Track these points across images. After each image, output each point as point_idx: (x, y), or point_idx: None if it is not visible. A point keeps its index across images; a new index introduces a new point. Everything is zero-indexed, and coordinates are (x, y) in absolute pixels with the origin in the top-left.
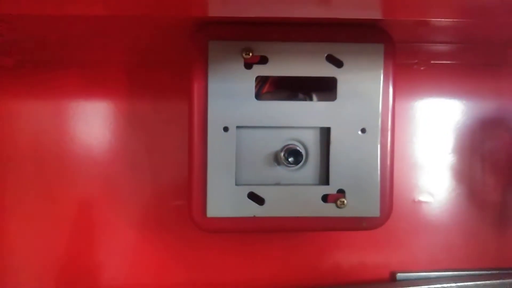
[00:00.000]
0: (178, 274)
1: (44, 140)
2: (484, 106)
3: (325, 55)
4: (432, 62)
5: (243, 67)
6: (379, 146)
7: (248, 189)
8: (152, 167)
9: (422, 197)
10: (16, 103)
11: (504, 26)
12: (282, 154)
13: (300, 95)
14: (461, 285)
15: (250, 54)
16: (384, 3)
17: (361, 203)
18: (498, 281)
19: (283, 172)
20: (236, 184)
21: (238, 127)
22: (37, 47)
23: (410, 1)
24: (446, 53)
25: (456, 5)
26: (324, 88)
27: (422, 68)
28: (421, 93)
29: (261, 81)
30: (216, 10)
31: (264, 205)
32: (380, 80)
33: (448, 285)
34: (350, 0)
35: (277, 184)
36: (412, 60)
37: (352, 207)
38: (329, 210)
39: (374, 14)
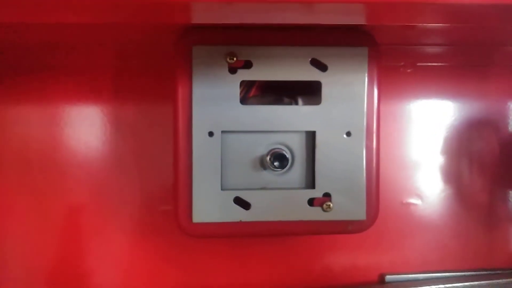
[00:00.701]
0: (168, 279)
1: (32, 145)
2: (471, 107)
3: (310, 59)
4: (418, 64)
5: (227, 72)
6: (364, 149)
7: (234, 194)
8: (140, 172)
9: (410, 199)
10: (3, 108)
11: (490, 28)
12: (267, 158)
13: (285, 99)
14: (450, 286)
15: (235, 58)
16: (368, 10)
17: (347, 207)
18: (487, 281)
19: (269, 176)
20: (222, 189)
21: (223, 131)
22: (24, 53)
23: (394, 8)
24: (433, 55)
25: (440, 11)
26: (309, 92)
27: (408, 70)
28: (408, 95)
29: (247, 85)
30: (199, 17)
31: (250, 210)
32: (365, 83)
33: (437, 286)
34: (333, 7)
35: (263, 188)
36: (398, 62)
37: (338, 211)
38: (315, 214)
39: (358, 20)
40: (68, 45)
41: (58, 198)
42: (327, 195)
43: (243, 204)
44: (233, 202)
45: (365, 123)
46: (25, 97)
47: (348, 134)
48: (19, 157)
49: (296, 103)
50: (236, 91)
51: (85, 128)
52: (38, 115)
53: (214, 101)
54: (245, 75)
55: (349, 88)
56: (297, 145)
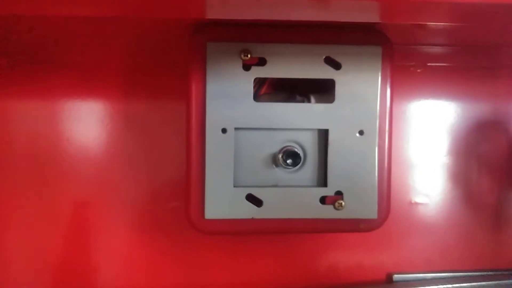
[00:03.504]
0: (174, 276)
1: (40, 141)
2: (480, 108)
3: (324, 57)
4: (428, 64)
5: (241, 68)
6: (376, 148)
7: (247, 191)
8: (149, 168)
9: (418, 199)
10: (11, 103)
11: (499, 29)
12: (280, 155)
13: (298, 97)
14: (456, 287)
15: (249, 55)
16: (382, 8)
17: (359, 205)
18: (493, 282)
19: (281, 174)
20: (234, 186)
21: (236, 128)
22: (33, 47)
23: (407, 6)
24: (443, 56)
25: (452, 10)
26: (322, 90)
27: (418, 70)
28: (418, 95)
29: (259, 82)
30: (214, 12)
31: (262, 207)
32: (378, 82)
33: (444, 286)
34: (348, 4)
35: (275, 186)
36: (409, 62)
37: (350, 209)
38: (327, 212)
39: (372, 17)
40: (79, 40)
41: (65, 194)
42: (339, 194)
43: (255, 201)
44: (245, 199)
45: (377, 122)
46: (34, 92)
47: (361, 133)
48: (26, 152)
49: (309, 101)
50: (250, 88)
51: (94, 124)
52: (46, 111)
53: (228, 98)
54: (259, 72)
55: (363, 87)
56: (310, 143)
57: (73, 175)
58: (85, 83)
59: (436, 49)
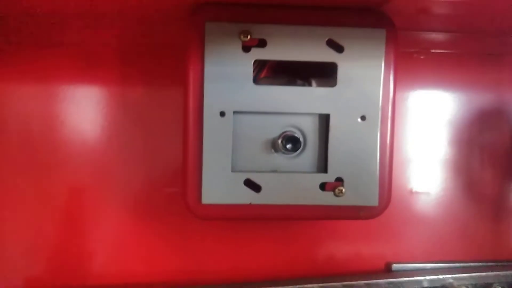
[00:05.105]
0: (170, 262)
1: (34, 124)
2: (483, 96)
3: (326, 39)
4: (432, 51)
5: (241, 50)
6: (378, 134)
7: (245, 176)
8: (145, 153)
9: (419, 188)
10: (4, 86)
11: (505, 14)
12: (279, 141)
13: (299, 81)
14: (456, 277)
15: (249, 36)
16: None
17: (360, 192)
18: (493, 273)
19: (280, 159)
20: (232, 171)
21: (235, 112)
22: (28, 27)
23: None
24: (447, 42)
25: None
26: (324, 73)
27: (422, 57)
28: (421, 82)
29: (259, 65)
30: None
31: (260, 193)
32: (381, 66)
33: (443, 276)
34: None
35: (274, 171)
36: (412, 48)
37: (350, 196)
38: (327, 198)
39: None
40: (75, 21)
41: (60, 179)
42: (339, 180)
43: (253, 186)
44: (243, 184)
45: (380, 108)
46: (29, 74)
47: (363, 118)
48: (20, 136)
49: (310, 85)
50: (249, 70)
51: (90, 107)
52: (40, 93)
53: (227, 80)
54: (259, 54)
55: (366, 71)
56: (310, 128)
57: (68, 158)
58: (81, 65)
59: (440, 36)
